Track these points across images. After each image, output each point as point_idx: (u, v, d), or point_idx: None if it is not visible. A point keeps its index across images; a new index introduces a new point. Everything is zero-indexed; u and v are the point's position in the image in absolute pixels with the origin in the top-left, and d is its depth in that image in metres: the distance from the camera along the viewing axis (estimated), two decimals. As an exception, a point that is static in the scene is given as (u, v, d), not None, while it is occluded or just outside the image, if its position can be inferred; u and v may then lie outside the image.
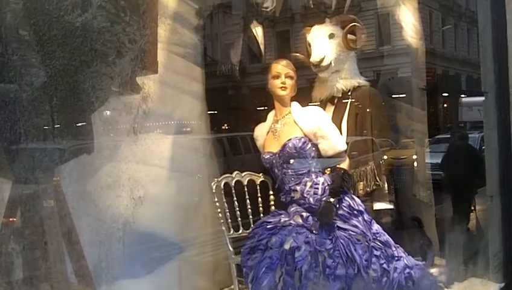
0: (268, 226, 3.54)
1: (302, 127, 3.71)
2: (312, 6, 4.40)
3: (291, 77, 3.78)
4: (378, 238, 3.55)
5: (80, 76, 1.56)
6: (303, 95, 4.13)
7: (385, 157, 4.29)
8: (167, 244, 3.81)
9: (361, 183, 3.90)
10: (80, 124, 1.73)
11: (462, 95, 16.33)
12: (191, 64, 4.15)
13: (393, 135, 4.67)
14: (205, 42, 4.37)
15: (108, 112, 3.56)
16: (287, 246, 3.35)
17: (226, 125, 4.79)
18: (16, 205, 2.30)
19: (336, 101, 4.09)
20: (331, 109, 4.10)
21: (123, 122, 3.66)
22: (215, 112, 4.52)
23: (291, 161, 3.68)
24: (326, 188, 3.64)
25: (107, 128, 3.61)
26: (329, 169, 3.67)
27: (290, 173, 3.70)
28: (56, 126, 1.75)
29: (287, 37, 9.35)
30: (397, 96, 4.89)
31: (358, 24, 4.04)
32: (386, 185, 4.04)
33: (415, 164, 5.04)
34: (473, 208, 8.07)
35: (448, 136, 9.62)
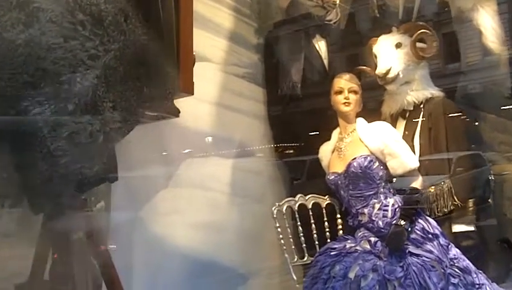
0: (332, 253, 3.28)
1: (368, 144, 3.44)
2: (378, 15, 4.15)
3: (355, 92, 3.53)
4: (456, 264, 3.19)
5: (23, 99, 1.40)
6: (374, 110, 3.89)
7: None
8: (230, 274, 3.63)
9: (438, 203, 3.56)
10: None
11: None
12: (251, 84, 4.00)
13: (477, 149, 4.26)
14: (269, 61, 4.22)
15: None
16: (351, 275, 3.08)
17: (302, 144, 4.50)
18: (46, 237, 2.22)
19: (407, 115, 3.78)
20: (402, 123, 3.80)
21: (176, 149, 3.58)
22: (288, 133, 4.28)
23: (357, 181, 3.42)
24: (397, 210, 3.34)
25: (162, 154, 3.54)
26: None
27: (357, 194, 3.43)
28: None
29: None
30: (480, 106, 4.49)
31: (427, 31, 3.72)
32: (470, 204, 3.66)
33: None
34: None
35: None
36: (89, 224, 2.30)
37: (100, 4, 1.49)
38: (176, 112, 2.54)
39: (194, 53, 2.49)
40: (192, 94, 2.51)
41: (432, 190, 3.60)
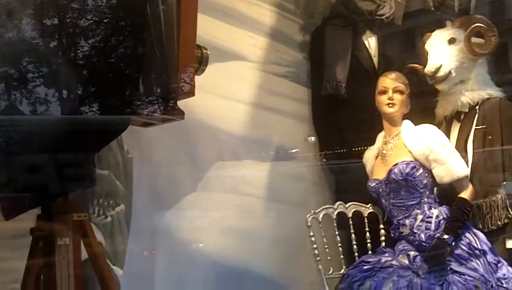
0: (364, 267, 3.03)
1: (412, 149, 3.17)
2: (433, 8, 3.81)
3: (400, 92, 3.26)
4: (504, 285, 2.87)
5: None
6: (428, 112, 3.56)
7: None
8: (265, 283, 3.44)
9: (492, 215, 3.20)
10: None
11: None
12: (293, 84, 3.79)
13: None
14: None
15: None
16: (383, 292, 2.82)
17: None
18: (38, 240, 2.15)
19: (462, 117, 3.43)
20: (457, 126, 3.45)
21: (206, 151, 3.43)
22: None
23: (399, 189, 3.15)
24: (441, 222, 3.05)
25: (189, 157, 3.40)
26: None
27: (398, 203, 3.17)
28: None
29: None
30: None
31: (484, 25, 3.36)
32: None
33: None
34: None
35: None
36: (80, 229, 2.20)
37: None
38: (181, 114, 2.39)
39: (199, 52, 2.32)
40: (193, 95, 2.36)
41: (486, 201, 3.24)
